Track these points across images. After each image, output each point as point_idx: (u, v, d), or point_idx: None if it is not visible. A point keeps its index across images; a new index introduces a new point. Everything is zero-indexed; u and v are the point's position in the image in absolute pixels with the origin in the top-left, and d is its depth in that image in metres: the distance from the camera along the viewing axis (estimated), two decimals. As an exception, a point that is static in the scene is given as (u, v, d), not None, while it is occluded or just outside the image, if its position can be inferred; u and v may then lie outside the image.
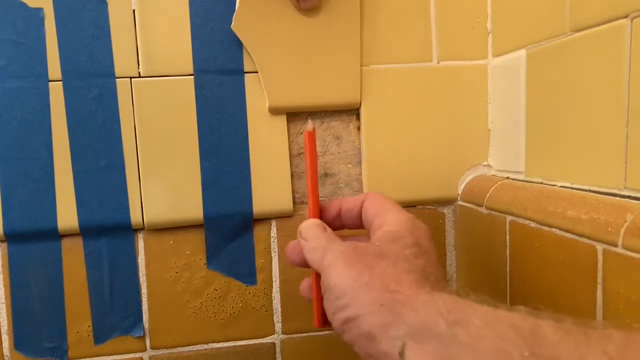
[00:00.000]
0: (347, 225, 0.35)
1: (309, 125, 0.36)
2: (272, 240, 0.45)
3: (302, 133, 0.44)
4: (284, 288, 0.45)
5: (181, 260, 0.44)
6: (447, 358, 0.21)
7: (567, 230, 0.30)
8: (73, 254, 0.42)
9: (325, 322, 0.35)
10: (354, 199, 0.34)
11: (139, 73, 0.41)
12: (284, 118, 0.43)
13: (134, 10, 0.41)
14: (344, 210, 0.34)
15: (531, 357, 0.18)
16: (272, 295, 0.45)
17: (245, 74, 0.42)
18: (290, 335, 0.46)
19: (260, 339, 0.45)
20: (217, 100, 0.42)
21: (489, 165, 0.45)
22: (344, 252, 0.28)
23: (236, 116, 0.42)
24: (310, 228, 0.32)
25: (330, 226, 0.33)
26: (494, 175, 0.44)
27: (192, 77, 0.41)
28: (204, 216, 0.43)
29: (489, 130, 0.45)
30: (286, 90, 0.42)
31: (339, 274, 0.27)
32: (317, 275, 0.34)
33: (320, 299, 0.35)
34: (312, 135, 0.36)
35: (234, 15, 0.41)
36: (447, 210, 0.46)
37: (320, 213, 0.35)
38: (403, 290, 0.25)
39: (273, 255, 0.45)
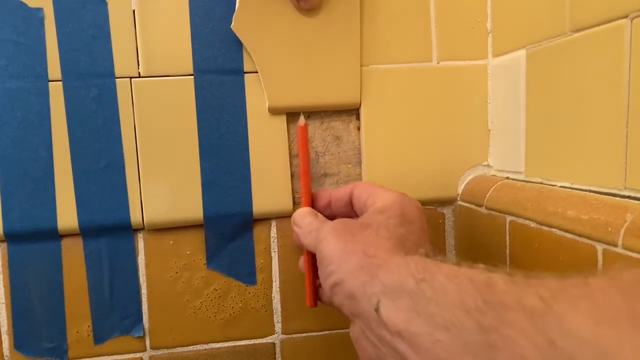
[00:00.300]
0: (337, 214, 0.38)
1: (301, 120, 0.40)
2: (272, 241, 0.45)
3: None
4: (284, 288, 0.45)
5: (181, 260, 0.44)
6: (416, 311, 0.23)
7: (567, 230, 0.30)
8: (73, 254, 0.42)
9: (316, 302, 0.39)
10: (343, 188, 0.37)
11: (139, 73, 0.41)
12: (283, 118, 0.43)
13: (134, 10, 0.41)
14: (333, 199, 0.38)
15: (483, 304, 0.20)
16: (272, 295, 0.45)
17: (245, 74, 0.42)
18: (290, 335, 0.46)
19: (260, 339, 0.45)
20: (217, 100, 0.42)
21: (489, 165, 0.45)
22: (334, 227, 0.31)
23: (236, 116, 0.42)
24: (303, 216, 0.36)
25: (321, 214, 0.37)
26: (494, 175, 0.44)
27: (192, 77, 0.41)
28: (204, 216, 0.43)
29: (489, 130, 0.45)
30: (286, 90, 0.42)
31: (330, 246, 0.30)
32: (310, 257, 0.37)
33: (313, 279, 0.38)
34: (304, 129, 0.39)
35: (234, 15, 0.41)
36: (447, 211, 0.46)
37: (313, 202, 0.39)
38: (380, 254, 0.28)
39: (273, 255, 0.45)
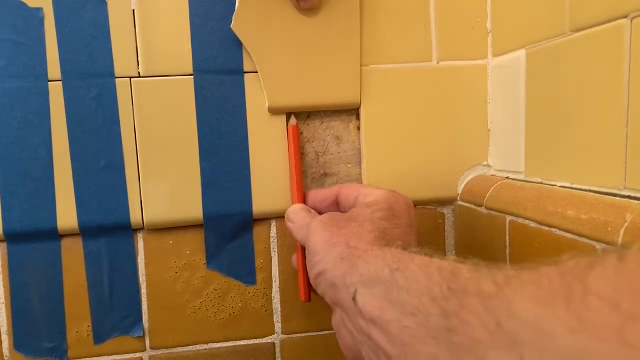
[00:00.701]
0: (324, 213, 0.39)
1: (292, 119, 0.42)
2: (272, 241, 0.45)
3: (302, 133, 0.44)
4: (284, 288, 0.45)
5: (181, 261, 0.44)
6: (389, 299, 0.24)
7: (567, 230, 0.30)
8: (73, 254, 0.42)
9: (310, 296, 0.40)
10: (329, 189, 0.39)
11: (139, 73, 0.41)
12: (284, 118, 0.43)
13: (133, 10, 0.41)
14: (318, 200, 0.39)
15: (448, 291, 0.21)
16: (272, 295, 0.45)
17: (245, 74, 0.42)
18: (290, 336, 0.46)
19: (260, 339, 0.45)
20: (217, 100, 0.42)
21: (488, 165, 0.45)
22: (323, 220, 0.33)
23: (236, 116, 0.42)
24: (297, 211, 0.38)
25: None
26: (493, 175, 0.44)
27: (192, 77, 0.41)
28: (204, 216, 0.43)
29: (489, 130, 0.45)
30: (286, 90, 0.42)
31: (317, 237, 0.32)
32: (304, 252, 0.38)
33: (306, 273, 0.39)
34: (295, 129, 0.41)
35: (234, 15, 0.41)
36: (447, 211, 0.46)
37: (304, 200, 0.40)
38: (361, 246, 0.29)
39: (273, 255, 0.45)
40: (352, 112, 0.44)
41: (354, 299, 0.26)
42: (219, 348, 0.45)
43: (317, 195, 0.40)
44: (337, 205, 0.38)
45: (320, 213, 0.38)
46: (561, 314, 0.16)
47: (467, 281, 0.21)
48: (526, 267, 0.19)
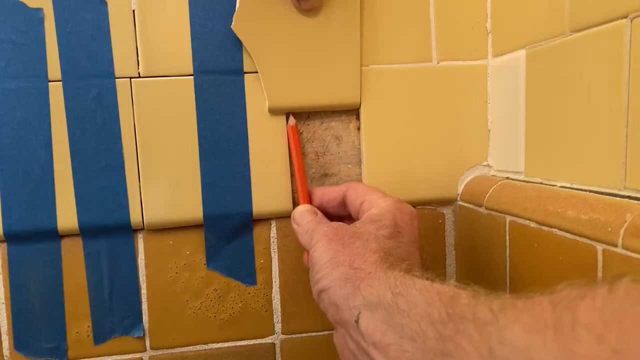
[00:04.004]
0: (330, 213, 0.39)
1: (291, 119, 0.42)
2: (271, 241, 0.45)
3: (301, 133, 0.44)
4: (284, 288, 0.45)
5: (181, 261, 0.44)
6: (391, 323, 0.25)
7: (567, 231, 0.30)
8: (73, 254, 0.42)
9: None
10: (336, 189, 0.39)
11: (139, 73, 0.41)
12: (284, 118, 0.43)
13: (133, 11, 0.41)
14: (325, 200, 0.39)
15: (446, 316, 0.22)
16: (272, 295, 0.45)
17: (245, 74, 0.42)
18: (290, 336, 0.46)
19: (260, 340, 0.45)
20: (217, 100, 0.42)
21: (488, 165, 0.45)
22: (326, 233, 0.33)
23: (236, 116, 0.42)
24: (302, 213, 0.37)
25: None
26: (493, 176, 0.44)
27: (192, 77, 0.41)
28: (204, 216, 0.43)
29: (489, 130, 0.45)
30: (286, 90, 0.42)
31: (320, 252, 0.31)
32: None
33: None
34: (294, 129, 0.42)
35: (234, 15, 0.41)
36: (446, 211, 0.46)
37: (310, 199, 0.40)
38: (365, 268, 0.29)
39: (273, 255, 0.45)
40: (352, 112, 0.44)
41: (356, 321, 0.27)
42: (219, 348, 0.45)
43: (325, 194, 0.39)
44: (344, 206, 0.38)
45: (326, 213, 0.39)
46: (550, 344, 0.16)
47: (464, 307, 0.22)
48: (522, 295, 0.20)
